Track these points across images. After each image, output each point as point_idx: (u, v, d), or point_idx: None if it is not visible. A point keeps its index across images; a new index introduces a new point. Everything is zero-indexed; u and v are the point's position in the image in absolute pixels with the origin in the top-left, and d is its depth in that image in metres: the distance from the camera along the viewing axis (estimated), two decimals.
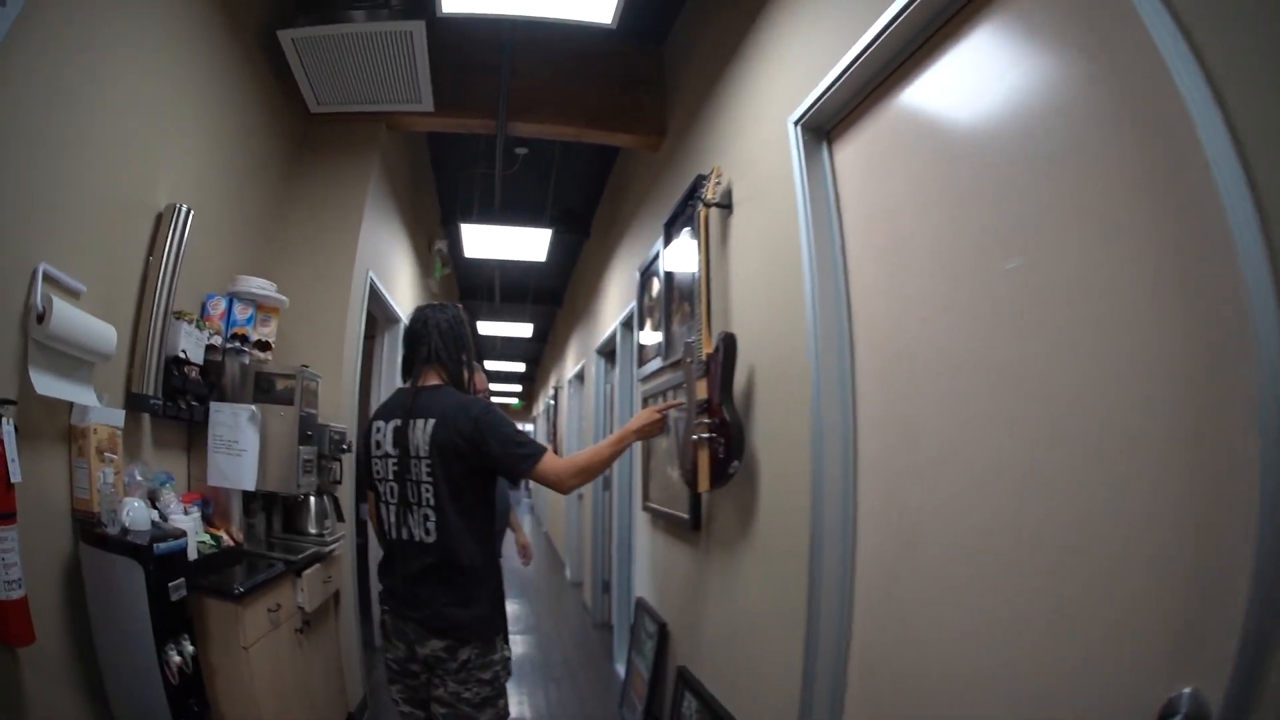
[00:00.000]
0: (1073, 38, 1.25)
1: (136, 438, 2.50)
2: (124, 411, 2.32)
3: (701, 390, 2.45)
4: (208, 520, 2.78)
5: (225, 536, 2.78)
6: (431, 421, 2.13)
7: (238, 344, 3.03)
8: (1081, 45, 1.23)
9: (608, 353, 6.09)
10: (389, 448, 2.20)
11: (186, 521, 2.46)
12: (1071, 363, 1.21)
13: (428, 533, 2.12)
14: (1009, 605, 1.33)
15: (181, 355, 2.63)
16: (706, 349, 2.47)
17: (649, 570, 3.89)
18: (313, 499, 3.41)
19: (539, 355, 14.27)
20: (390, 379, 5.10)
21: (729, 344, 2.38)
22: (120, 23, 2.21)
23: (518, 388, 19.35)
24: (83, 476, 2.11)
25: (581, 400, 7.76)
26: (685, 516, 3.02)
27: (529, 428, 19.51)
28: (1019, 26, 1.40)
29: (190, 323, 2.69)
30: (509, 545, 3.70)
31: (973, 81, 1.52)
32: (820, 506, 1.96)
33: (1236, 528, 0.92)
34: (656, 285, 3.78)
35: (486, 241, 5.63)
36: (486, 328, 10.04)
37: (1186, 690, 0.94)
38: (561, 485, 2.19)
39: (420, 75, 3.54)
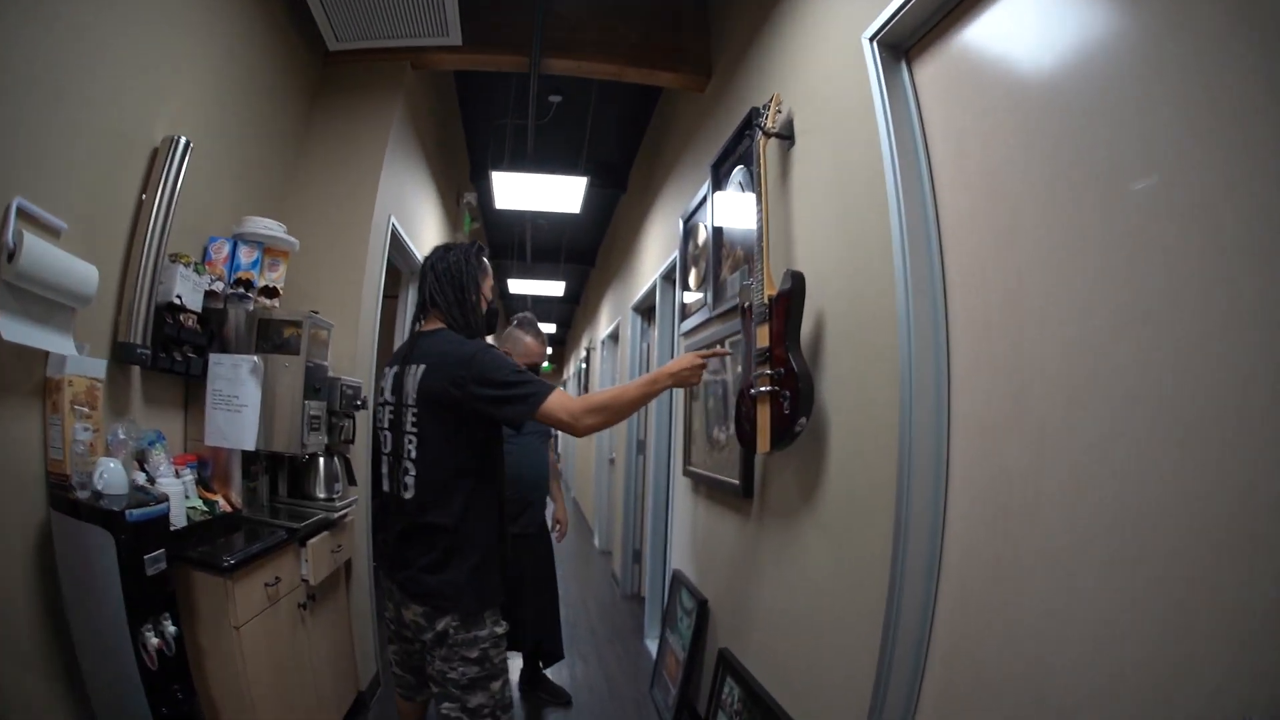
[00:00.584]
0: None
1: (124, 392, 2.29)
2: (105, 362, 2.09)
3: (762, 337, 2.12)
4: (205, 484, 2.57)
5: (222, 502, 2.55)
6: (423, 367, 2.00)
7: (241, 290, 2.78)
8: None
9: (645, 309, 5.80)
10: (388, 395, 2.12)
11: (173, 485, 2.23)
12: (1226, 300, 1.00)
13: (405, 488, 2.01)
14: (1143, 595, 1.09)
15: (176, 301, 2.39)
16: (769, 290, 2.14)
17: (688, 541, 3.59)
18: (321, 460, 3.13)
19: (570, 317, 14.00)
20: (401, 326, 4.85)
21: (798, 283, 2.05)
22: None
23: (548, 350, 19.04)
24: (56, 435, 1.88)
25: (615, 361, 7.46)
26: (735, 482, 2.71)
27: None
28: None
29: (188, 266, 2.46)
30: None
31: None
32: (908, 473, 1.65)
33: None
34: (702, 232, 3.47)
35: (518, 191, 5.31)
36: (517, 286, 9.72)
37: None
38: (576, 425, 1.98)
39: (448, 5, 3.25)
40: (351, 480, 3.30)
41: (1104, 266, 1.21)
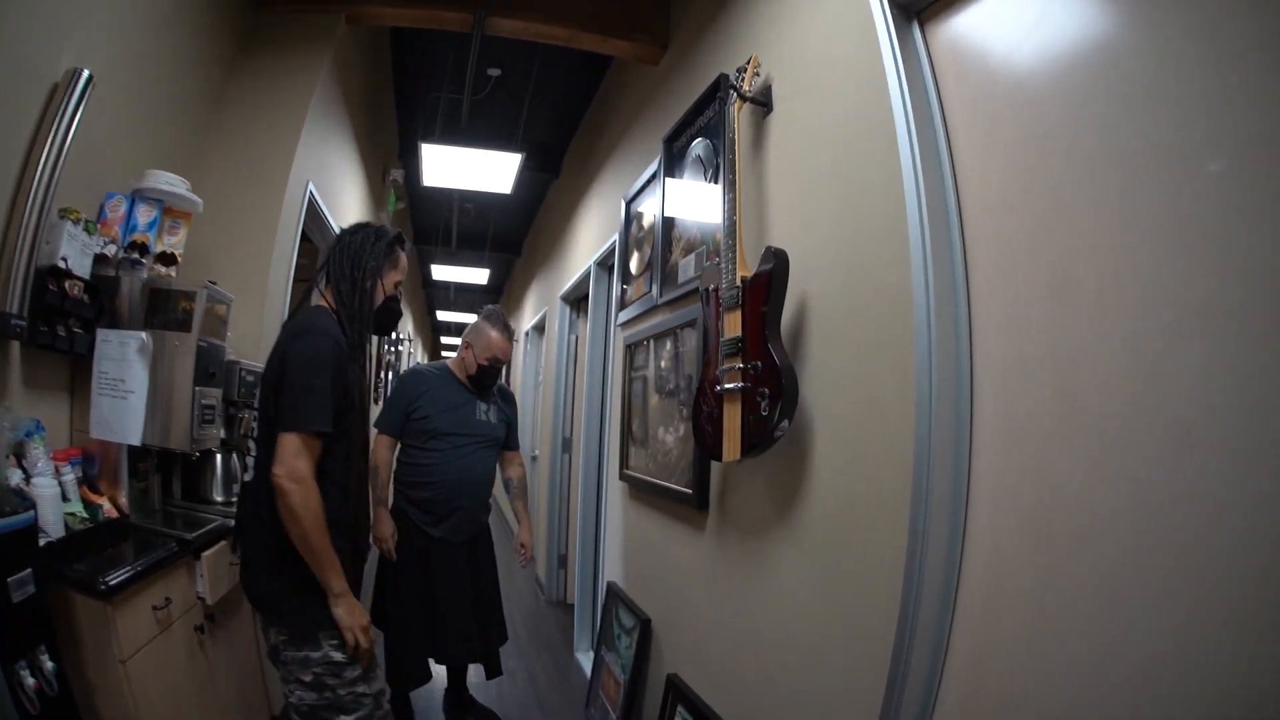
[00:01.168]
0: None
1: (1, 373, 1.98)
2: None
3: (733, 326, 1.84)
4: (91, 484, 2.24)
5: (108, 506, 2.21)
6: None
7: (135, 255, 2.40)
8: None
9: (575, 299, 5.50)
10: None
11: (48, 487, 1.91)
12: None
13: (247, 470, 1.89)
14: (1218, 639, 0.92)
15: (61, 265, 2.05)
16: (741, 271, 1.85)
17: (625, 552, 3.29)
18: (219, 457, 2.73)
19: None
20: None
21: (780, 263, 1.77)
22: None
23: (514, 346, 18.48)
24: None
25: (540, 353, 7.11)
26: (686, 491, 2.42)
27: None
28: None
29: (77, 223, 2.11)
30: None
31: None
32: (926, 488, 1.38)
33: None
34: (649, 214, 3.19)
35: (448, 168, 4.96)
36: (440, 272, 9.28)
37: None
38: (279, 480, 1.67)
39: None
40: None
41: (1171, 255, 1.02)
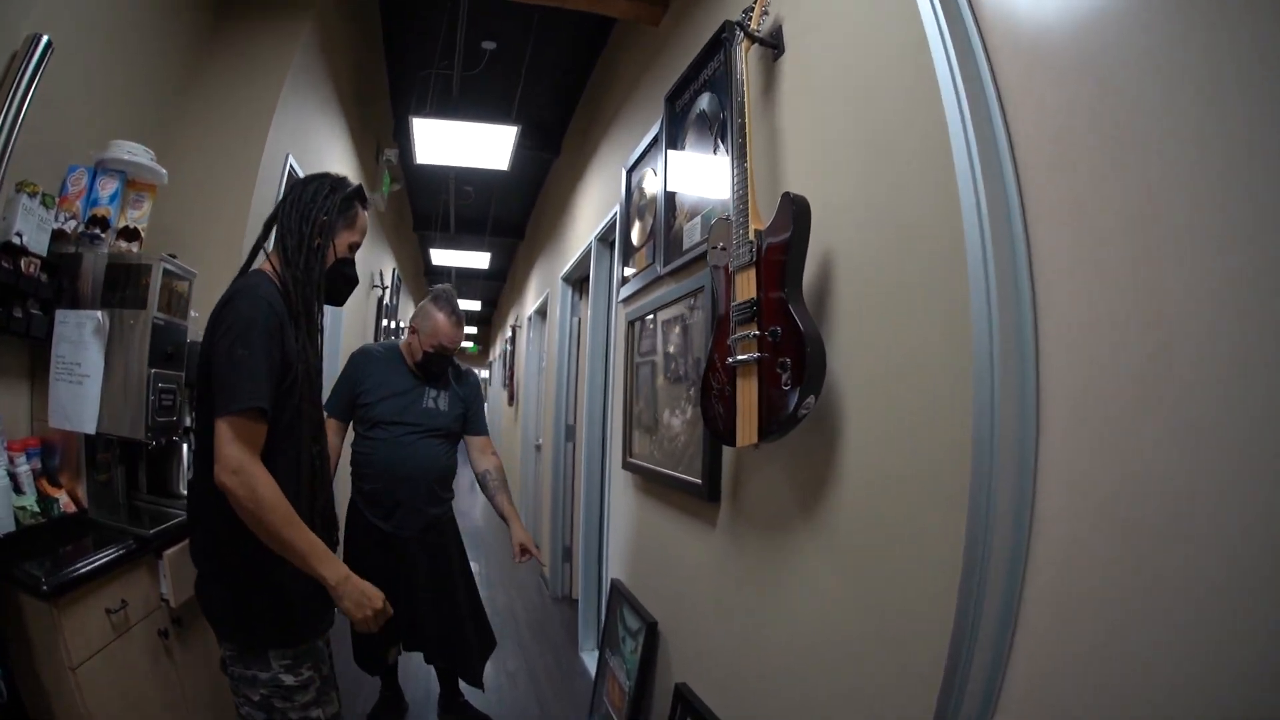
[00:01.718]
0: None
1: None
2: None
3: (746, 287, 1.58)
4: (51, 476, 2.14)
5: (65, 499, 2.10)
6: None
7: (96, 230, 2.23)
8: None
9: (577, 280, 5.26)
10: None
11: None
12: None
13: (190, 465, 1.63)
14: None
15: (16, 242, 1.92)
16: (754, 224, 1.59)
17: (630, 548, 3.03)
18: (185, 447, 2.50)
19: (496, 295, 13.26)
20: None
21: (801, 211, 1.50)
22: None
23: (473, 330, 18.22)
24: None
25: (543, 338, 6.86)
26: (695, 481, 2.16)
27: (483, 374, 18.48)
28: None
29: (33, 197, 1.98)
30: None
31: None
32: (988, 472, 1.11)
33: None
34: (651, 178, 2.94)
35: (442, 144, 4.70)
36: (440, 256, 9.01)
37: None
38: (220, 468, 1.44)
39: None
40: None
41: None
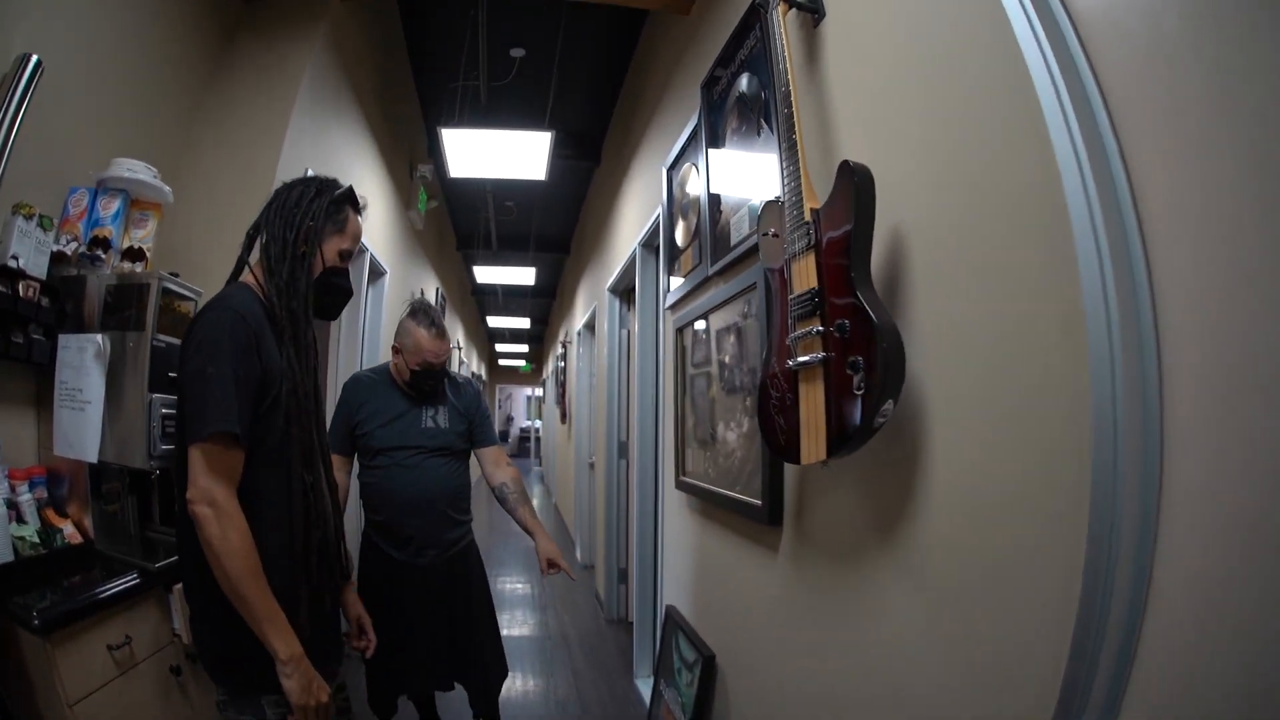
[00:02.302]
0: None
1: None
2: None
3: (804, 276, 1.36)
4: (58, 506, 2.09)
5: (70, 530, 2.03)
6: None
7: (98, 252, 2.14)
8: None
9: (623, 290, 5.05)
10: None
11: None
12: None
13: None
14: None
15: (13, 265, 1.87)
16: (809, 203, 1.36)
17: (685, 574, 2.79)
18: None
19: (546, 313, 13.16)
20: (350, 337, 4.06)
21: (864, 179, 1.27)
22: None
23: (524, 348, 18.13)
24: None
25: (592, 354, 6.68)
26: (755, 503, 1.93)
27: (537, 392, 18.36)
28: None
29: (30, 219, 1.93)
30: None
31: None
32: (1114, 488, 0.87)
33: None
34: (693, 175, 2.74)
35: (474, 155, 4.58)
36: (484, 274, 8.91)
37: None
38: (193, 499, 1.31)
39: None
40: None
41: None
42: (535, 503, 2.81)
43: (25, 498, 1.93)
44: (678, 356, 2.79)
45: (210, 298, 1.48)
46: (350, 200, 1.64)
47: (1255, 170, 0.73)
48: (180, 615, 1.98)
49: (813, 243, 1.34)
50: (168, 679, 1.94)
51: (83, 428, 1.98)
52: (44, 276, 1.97)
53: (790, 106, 1.49)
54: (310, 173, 2.95)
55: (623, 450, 5.11)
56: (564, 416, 9.39)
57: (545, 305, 12.58)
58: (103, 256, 2.14)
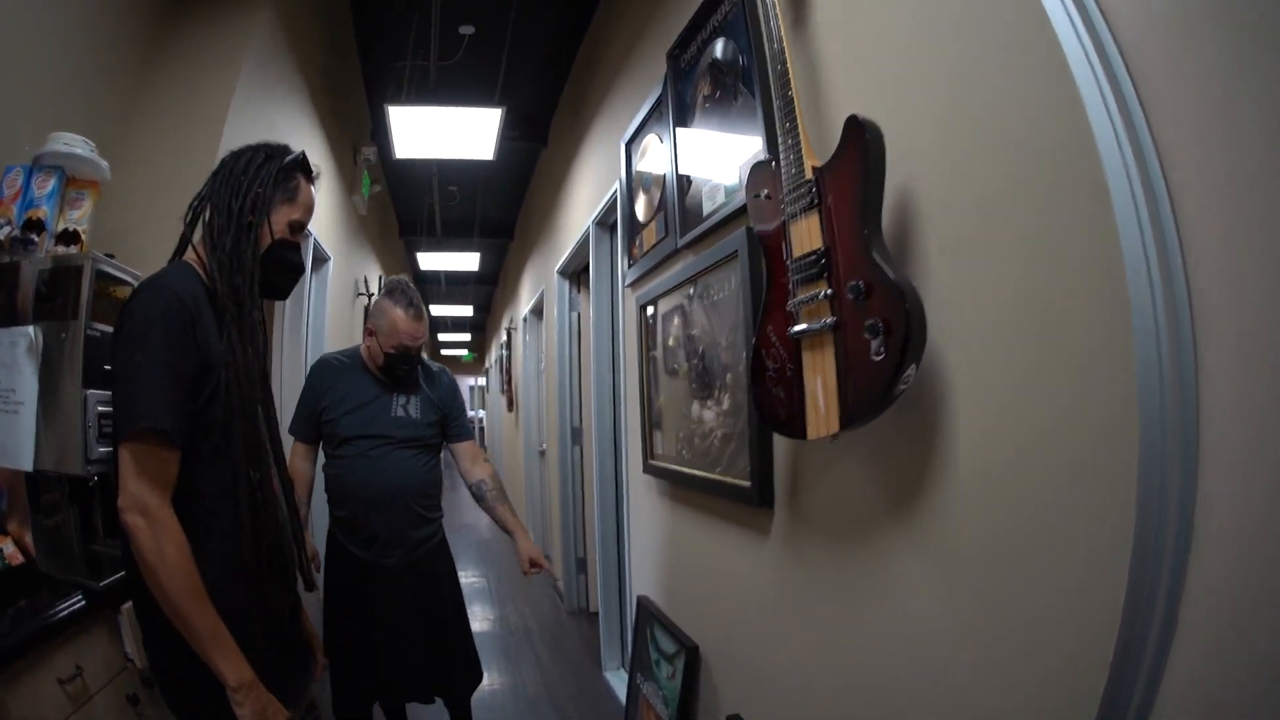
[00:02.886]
0: None
1: None
2: None
3: (806, 237, 1.27)
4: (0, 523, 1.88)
5: (10, 549, 1.81)
6: None
7: (32, 235, 1.94)
8: None
9: (574, 272, 4.92)
10: None
11: None
12: None
13: None
14: None
15: None
16: (810, 160, 1.27)
17: (658, 561, 2.69)
18: None
19: (489, 300, 12.92)
20: (293, 329, 3.87)
21: (874, 136, 1.19)
22: None
23: (466, 337, 17.80)
24: None
25: (540, 339, 6.54)
26: (742, 484, 1.83)
27: (480, 381, 18.06)
28: None
29: None
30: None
31: None
32: (1161, 449, 0.82)
33: None
34: (656, 147, 2.66)
35: (421, 135, 4.41)
36: (428, 261, 8.66)
37: None
38: (122, 504, 1.17)
39: None
40: None
41: None
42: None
43: None
44: (642, 335, 2.69)
45: (158, 276, 1.31)
46: (302, 167, 1.49)
47: None
48: (131, 637, 1.79)
49: (816, 202, 1.25)
50: (125, 709, 1.76)
51: (16, 433, 1.77)
52: None
53: (784, 63, 1.40)
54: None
55: (576, 436, 5.00)
56: (510, 404, 9.22)
57: (488, 293, 12.34)
58: (36, 240, 1.94)
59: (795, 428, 1.31)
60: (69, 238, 2.04)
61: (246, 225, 1.34)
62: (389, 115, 4.20)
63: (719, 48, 2.02)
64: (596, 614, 3.94)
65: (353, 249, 5.31)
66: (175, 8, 2.82)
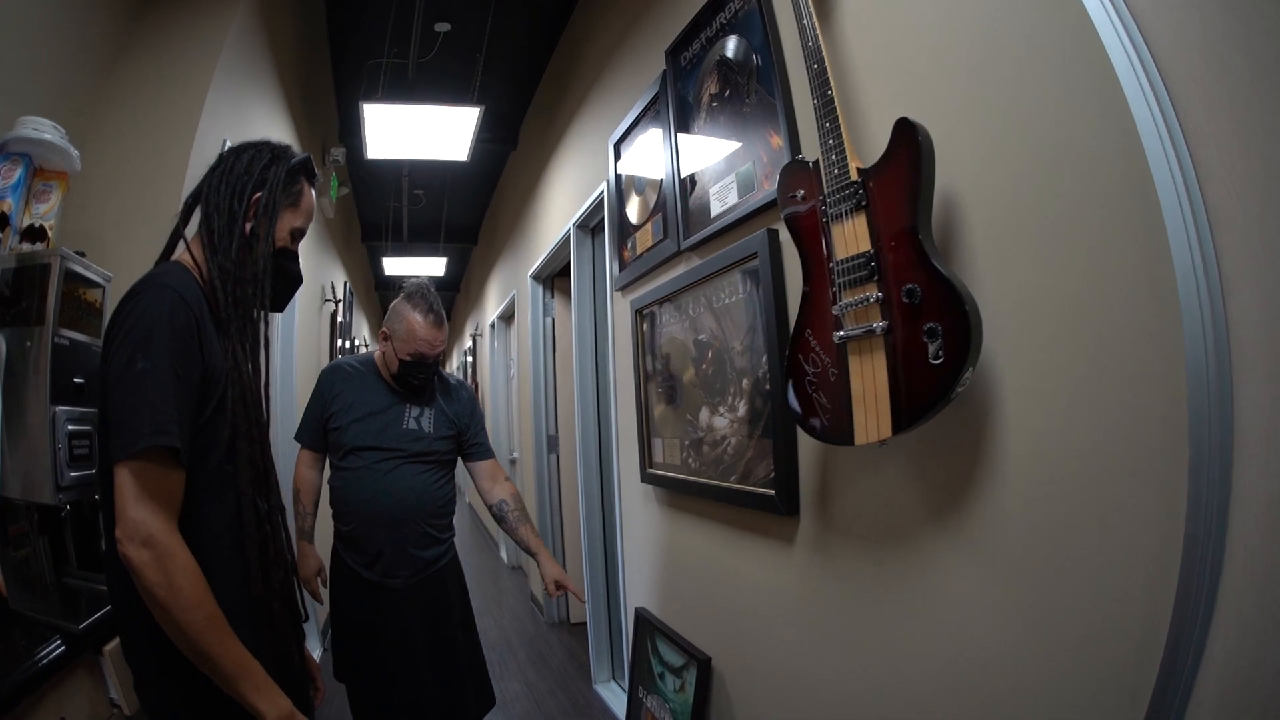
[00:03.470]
0: None
1: None
2: None
3: (851, 239, 1.23)
4: None
5: None
6: None
7: None
8: None
9: (549, 276, 4.85)
10: None
11: None
12: None
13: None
14: None
15: None
16: (854, 162, 1.23)
17: (659, 572, 2.62)
18: None
19: (449, 306, 12.74)
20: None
21: (925, 137, 1.17)
22: None
23: (442, 336, 17.44)
24: None
25: (510, 344, 6.45)
26: (764, 493, 1.78)
27: None
28: None
29: None
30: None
31: None
32: (1207, 452, 0.86)
33: None
34: (649, 147, 2.61)
35: (395, 134, 4.31)
36: (393, 266, 8.49)
37: None
38: (121, 535, 1.02)
39: None
40: None
41: None
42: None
43: None
44: (638, 340, 2.63)
45: (136, 281, 1.17)
46: (306, 171, 1.38)
47: None
48: (115, 680, 1.60)
49: (863, 203, 1.21)
50: None
51: None
52: None
53: (821, 61, 1.35)
54: (229, 144, 2.68)
55: (552, 444, 4.92)
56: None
57: (448, 299, 12.17)
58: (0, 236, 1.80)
59: (839, 433, 1.27)
60: (35, 234, 1.87)
61: (249, 233, 1.25)
62: (364, 113, 4.08)
63: (730, 45, 1.98)
64: (579, 625, 3.87)
65: (320, 254, 5.17)
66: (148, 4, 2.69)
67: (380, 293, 10.66)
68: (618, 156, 2.95)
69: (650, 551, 2.69)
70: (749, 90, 1.87)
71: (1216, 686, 0.83)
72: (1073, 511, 1.02)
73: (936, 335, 1.08)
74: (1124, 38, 0.92)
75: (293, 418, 3.77)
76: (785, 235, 1.66)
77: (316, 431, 2.25)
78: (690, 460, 2.22)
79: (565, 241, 3.88)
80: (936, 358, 1.08)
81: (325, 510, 2.32)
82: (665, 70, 2.35)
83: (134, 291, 1.13)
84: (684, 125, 2.26)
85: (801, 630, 1.70)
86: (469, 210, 7.66)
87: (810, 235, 1.33)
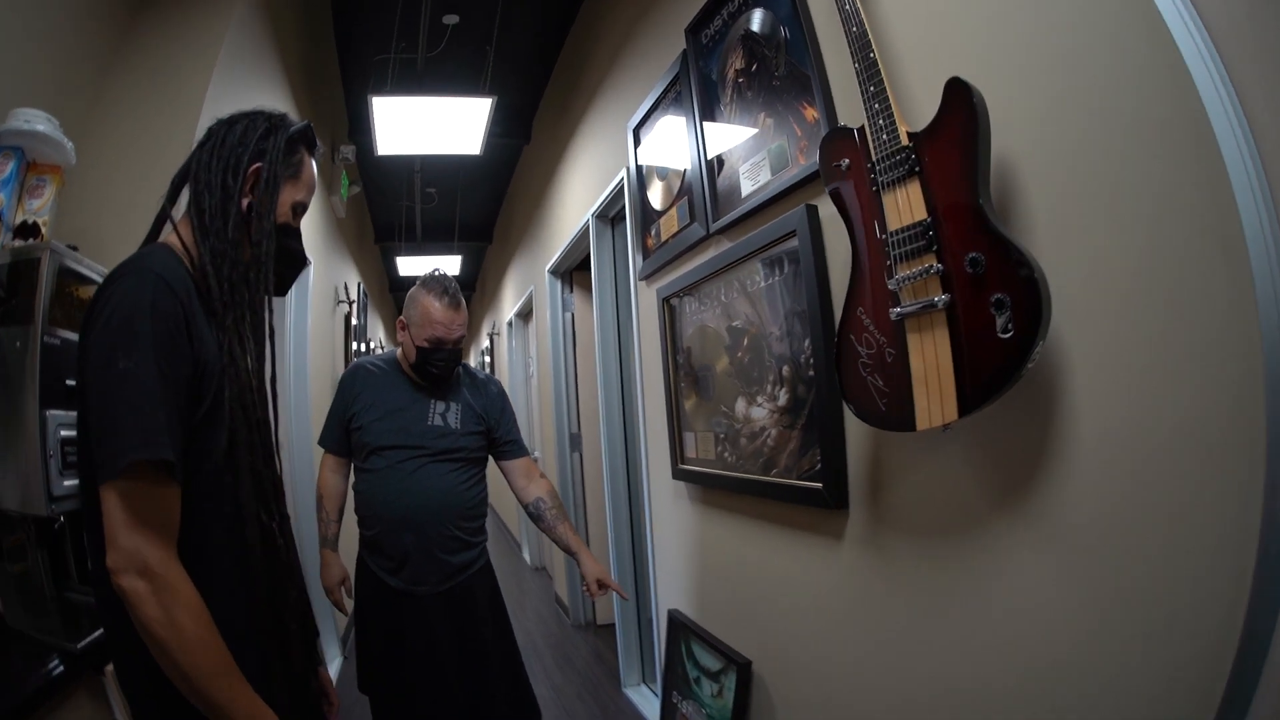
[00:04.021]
0: None
1: None
2: None
3: (903, 208, 1.14)
4: None
5: None
6: None
7: None
8: None
9: (568, 270, 4.76)
10: None
11: None
12: None
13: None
14: None
15: None
16: (903, 126, 1.13)
17: (693, 573, 2.51)
18: None
19: (466, 304, 12.65)
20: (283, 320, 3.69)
21: (979, 98, 1.08)
22: None
23: (462, 322, 17.41)
24: None
25: (529, 341, 6.37)
26: (811, 486, 1.67)
27: None
28: None
29: None
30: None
31: None
32: None
33: None
34: (671, 130, 2.51)
35: (406, 128, 4.25)
36: (406, 266, 8.43)
37: None
38: (113, 564, 0.90)
39: None
40: None
41: None
42: None
43: None
44: (665, 331, 2.53)
45: (117, 266, 1.04)
46: (306, 140, 1.26)
47: None
48: (119, 702, 1.50)
49: (916, 170, 1.12)
50: None
51: None
52: None
53: (861, 23, 1.26)
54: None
55: (575, 442, 4.83)
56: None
57: (465, 298, 12.09)
58: None
59: (899, 419, 1.17)
60: (28, 230, 1.79)
61: (246, 208, 1.13)
62: (373, 107, 4.01)
63: (755, 19, 1.88)
64: (606, 627, 3.78)
65: (332, 253, 5.10)
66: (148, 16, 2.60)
67: (395, 294, 10.61)
68: (637, 142, 2.86)
69: (683, 551, 2.60)
70: (778, 63, 1.77)
71: None
72: (1146, 498, 0.95)
73: (1004, 307, 0.98)
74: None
75: (306, 424, 3.70)
76: (825, 211, 1.57)
77: (339, 434, 2.16)
78: (726, 454, 2.12)
79: (584, 233, 3.78)
80: (1005, 331, 0.98)
81: (351, 518, 2.24)
82: (685, 49, 2.26)
83: (113, 276, 1.01)
84: (708, 104, 2.16)
85: (851, 632, 1.60)
86: (482, 208, 7.59)
87: (860, 206, 1.24)
